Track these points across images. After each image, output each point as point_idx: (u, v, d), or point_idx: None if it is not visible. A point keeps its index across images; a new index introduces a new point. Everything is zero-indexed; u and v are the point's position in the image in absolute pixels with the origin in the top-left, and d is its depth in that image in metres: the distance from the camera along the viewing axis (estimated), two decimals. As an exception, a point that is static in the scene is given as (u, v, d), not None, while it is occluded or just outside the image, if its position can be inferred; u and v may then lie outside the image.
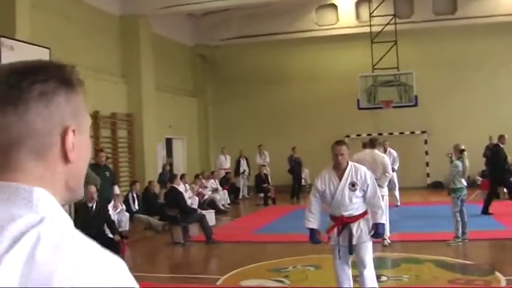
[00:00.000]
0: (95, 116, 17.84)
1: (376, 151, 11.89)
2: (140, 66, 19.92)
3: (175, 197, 12.99)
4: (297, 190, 21.88)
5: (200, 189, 17.96)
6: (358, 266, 7.02)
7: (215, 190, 19.36)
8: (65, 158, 1.25)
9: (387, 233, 11.66)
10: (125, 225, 14.11)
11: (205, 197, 17.93)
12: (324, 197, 6.89)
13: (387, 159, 12.00)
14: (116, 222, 13.60)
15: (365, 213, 6.93)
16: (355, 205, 6.83)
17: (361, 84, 21.55)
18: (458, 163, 11.53)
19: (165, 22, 22.34)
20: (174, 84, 23.60)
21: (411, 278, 9.17)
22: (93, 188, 10.06)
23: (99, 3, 18.71)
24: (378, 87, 21.50)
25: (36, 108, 1.22)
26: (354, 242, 6.79)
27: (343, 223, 6.83)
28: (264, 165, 22.11)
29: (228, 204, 19.84)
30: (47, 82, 1.25)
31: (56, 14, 16.45)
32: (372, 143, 12.09)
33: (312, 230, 6.96)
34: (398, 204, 17.77)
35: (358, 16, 23.39)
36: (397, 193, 17.90)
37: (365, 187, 6.77)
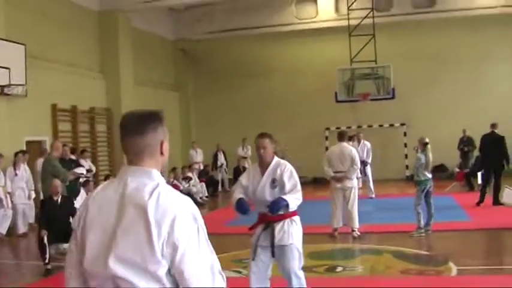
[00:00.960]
0: (73, 111, 18.06)
1: (345, 144, 12.24)
2: (119, 61, 20.13)
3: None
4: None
5: (175, 182, 18.16)
6: (283, 275, 6.40)
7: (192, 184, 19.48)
8: (161, 154, 2.73)
9: (356, 225, 11.93)
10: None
11: (181, 189, 18.10)
12: (248, 193, 6.34)
13: (355, 152, 12.29)
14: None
15: (292, 214, 6.31)
16: None
17: (339, 77, 21.73)
18: (421, 156, 11.75)
19: (146, 16, 22.53)
20: (155, 79, 23.78)
21: (365, 268, 9.42)
22: (57, 182, 10.25)
23: (79, -3, 18.82)
24: (356, 80, 21.69)
25: (151, 134, 2.70)
26: (276, 242, 6.19)
27: (267, 221, 6.27)
28: (245, 158, 22.34)
29: (206, 196, 20.05)
30: (154, 121, 2.74)
31: (32, 9, 16.59)
32: (340, 136, 12.39)
33: (239, 201, 6.25)
34: (373, 196, 18.03)
35: (337, 9, 23.58)
36: (371, 185, 18.17)
37: (282, 184, 6.18)
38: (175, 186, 17.70)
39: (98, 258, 2.52)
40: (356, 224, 11.93)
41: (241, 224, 14.12)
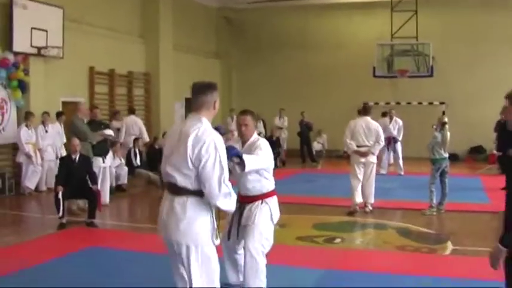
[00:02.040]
0: (111, 74, 18.52)
1: (369, 118, 12.02)
2: (159, 26, 20.48)
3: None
4: (306, 153, 22.31)
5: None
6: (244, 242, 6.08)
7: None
8: (214, 109, 4.55)
9: (372, 200, 11.97)
10: (124, 179, 14.85)
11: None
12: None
13: (380, 128, 12.12)
14: (114, 175, 14.41)
15: (265, 195, 6.08)
16: (251, 183, 6.04)
17: (378, 53, 21.65)
18: (438, 134, 11.76)
19: (188, -18, 22.72)
20: (196, 45, 24.02)
21: (363, 241, 9.61)
22: (76, 141, 10.68)
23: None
24: (395, 56, 21.58)
25: (209, 94, 4.51)
26: (242, 222, 6.05)
27: (240, 202, 5.96)
28: (281, 128, 22.56)
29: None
30: (211, 88, 4.56)
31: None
32: (365, 110, 12.24)
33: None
34: (402, 173, 18.10)
35: (380, -17, 23.37)
36: (400, 162, 18.22)
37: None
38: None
39: (164, 161, 4.52)
40: (372, 199, 11.95)
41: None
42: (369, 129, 11.77)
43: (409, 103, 23.69)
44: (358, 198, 11.88)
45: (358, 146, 11.79)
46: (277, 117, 22.78)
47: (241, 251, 6.27)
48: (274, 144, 20.88)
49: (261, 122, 23.39)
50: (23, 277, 7.19)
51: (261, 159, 5.84)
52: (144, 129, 17.02)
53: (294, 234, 9.82)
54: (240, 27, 26.37)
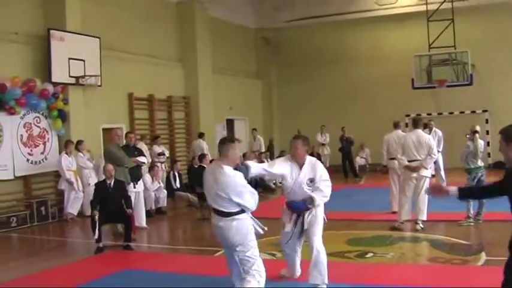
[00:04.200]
0: (150, 100, 18.86)
1: (420, 131, 11.83)
2: (196, 50, 20.80)
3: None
4: (348, 168, 22.26)
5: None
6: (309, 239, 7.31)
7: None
8: (230, 158, 6.24)
9: (424, 217, 11.44)
10: (163, 202, 15.07)
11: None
12: (284, 180, 7.30)
13: (433, 141, 11.88)
14: (154, 198, 14.64)
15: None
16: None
17: (416, 64, 21.54)
18: (470, 144, 11.65)
19: (225, 5, 23.03)
20: (236, 67, 24.31)
21: (395, 255, 9.52)
22: (110, 167, 10.94)
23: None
24: (433, 67, 21.44)
25: (226, 147, 6.25)
26: (305, 226, 7.24)
27: (299, 213, 7.30)
28: (323, 144, 22.59)
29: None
30: (231, 141, 6.39)
31: (108, 3, 17.42)
32: (415, 123, 11.93)
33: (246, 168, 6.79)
34: (444, 184, 17.81)
35: (417, -6, 23.30)
36: (442, 173, 18.00)
37: (318, 181, 7.16)
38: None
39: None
40: (424, 216, 11.44)
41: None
42: (420, 143, 11.44)
43: (451, 113, 23.46)
44: (406, 216, 11.58)
45: (409, 161, 11.47)
46: (319, 134, 22.79)
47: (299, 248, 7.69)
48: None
49: (303, 139, 23.46)
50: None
51: (328, 191, 7.25)
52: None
53: (326, 250, 9.80)
54: (278, 46, 26.59)
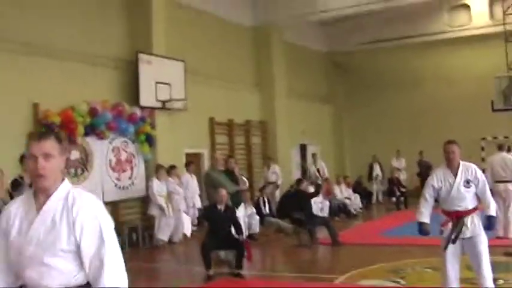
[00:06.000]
0: (230, 124, 18.73)
1: (505, 154, 12.88)
2: (273, 75, 20.69)
3: (301, 200, 13.47)
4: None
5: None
6: (474, 264, 7.12)
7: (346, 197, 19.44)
8: None
9: None
10: (255, 228, 14.71)
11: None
12: (439, 194, 7.16)
13: None
14: (247, 224, 14.30)
15: (477, 208, 7.18)
16: (468, 200, 7.10)
17: (496, 85, 21.01)
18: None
19: (297, 29, 22.89)
20: (307, 91, 24.08)
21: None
22: (223, 191, 10.59)
23: (232, 15, 19.57)
24: (513, 88, 20.91)
25: None
26: (468, 234, 6.99)
27: (458, 217, 7.05)
28: (399, 169, 22.12)
29: (360, 208, 19.97)
30: None
31: (189, 28, 17.40)
32: (500, 147, 13.42)
33: (422, 223, 7.20)
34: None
35: (491, 15, 22.79)
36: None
37: (476, 182, 7.06)
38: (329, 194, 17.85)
39: None
40: None
41: (396, 235, 14.14)
42: (505, 164, 12.60)
43: (529, 136, 22.81)
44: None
45: (496, 182, 12.18)
46: (394, 158, 22.32)
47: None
48: (396, 185, 20.50)
49: (377, 164, 23.08)
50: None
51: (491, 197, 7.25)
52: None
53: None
54: (348, 70, 26.37)
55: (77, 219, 2.96)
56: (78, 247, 2.97)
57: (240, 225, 10.81)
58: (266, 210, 15.77)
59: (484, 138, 23.34)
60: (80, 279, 3.03)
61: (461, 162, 7.22)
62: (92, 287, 3.01)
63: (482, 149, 23.51)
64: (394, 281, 9.26)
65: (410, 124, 24.81)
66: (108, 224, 3.05)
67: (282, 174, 19.18)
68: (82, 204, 3.02)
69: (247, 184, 13.38)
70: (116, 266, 3.02)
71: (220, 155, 13.30)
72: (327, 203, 17.29)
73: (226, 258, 10.98)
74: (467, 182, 7.07)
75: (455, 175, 7.10)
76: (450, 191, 7.05)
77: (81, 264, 3.00)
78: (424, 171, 21.92)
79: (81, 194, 3.07)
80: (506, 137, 22.29)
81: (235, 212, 10.99)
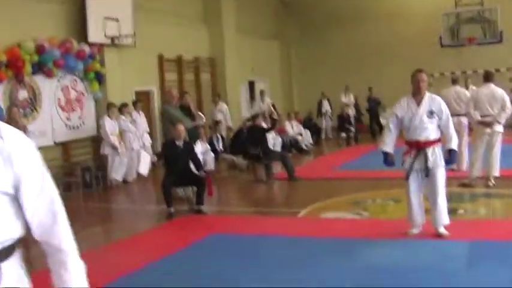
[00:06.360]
0: (179, 61, 18.38)
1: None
2: (221, 11, 20.29)
3: (257, 136, 13.40)
4: (377, 129, 21.92)
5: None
6: (430, 195, 7.34)
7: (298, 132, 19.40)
8: None
9: (496, 173, 10.98)
10: (210, 165, 14.58)
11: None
12: (402, 123, 7.31)
13: (506, 95, 11.10)
14: (202, 161, 14.16)
15: (439, 140, 7.31)
16: (430, 130, 7.20)
17: (444, 22, 21.14)
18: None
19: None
20: (256, 28, 23.75)
21: (488, 213, 9.20)
22: (181, 127, 10.36)
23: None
24: (461, 25, 21.07)
25: None
26: (430, 165, 7.12)
27: (419, 147, 7.20)
28: (348, 105, 22.17)
29: (311, 144, 20.00)
30: None
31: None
32: (488, 76, 11.20)
33: (386, 154, 7.38)
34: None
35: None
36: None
37: (440, 115, 7.19)
38: (283, 132, 17.80)
39: None
40: (496, 172, 10.98)
41: (352, 169, 14.24)
42: (494, 97, 10.82)
43: (475, 71, 23.08)
44: (478, 172, 11.07)
45: (482, 116, 10.87)
46: (343, 95, 22.35)
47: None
48: (346, 121, 20.60)
49: (326, 101, 23.12)
50: (166, 265, 7.00)
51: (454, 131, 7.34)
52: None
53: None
54: (296, 7, 25.99)
55: (14, 151, 2.22)
56: (17, 188, 2.24)
57: (199, 160, 10.67)
58: (220, 147, 15.65)
59: (432, 75, 23.55)
60: (16, 232, 2.28)
61: (428, 94, 7.33)
62: (40, 242, 2.34)
63: (430, 85, 23.72)
64: (357, 213, 9.33)
65: (358, 60, 24.82)
66: (45, 168, 2.35)
67: (230, 111, 18.96)
68: (16, 136, 2.28)
69: (204, 119, 13.13)
70: (64, 218, 2.37)
71: (175, 91, 12.93)
72: (279, 139, 17.27)
73: (185, 195, 10.88)
74: (431, 113, 7.17)
75: (419, 104, 7.22)
76: (412, 120, 7.19)
77: (17, 212, 2.27)
78: (374, 107, 22.16)
79: (10, 127, 2.28)
80: (453, 73, 22.53)
81: (193, 148, 10.82)
